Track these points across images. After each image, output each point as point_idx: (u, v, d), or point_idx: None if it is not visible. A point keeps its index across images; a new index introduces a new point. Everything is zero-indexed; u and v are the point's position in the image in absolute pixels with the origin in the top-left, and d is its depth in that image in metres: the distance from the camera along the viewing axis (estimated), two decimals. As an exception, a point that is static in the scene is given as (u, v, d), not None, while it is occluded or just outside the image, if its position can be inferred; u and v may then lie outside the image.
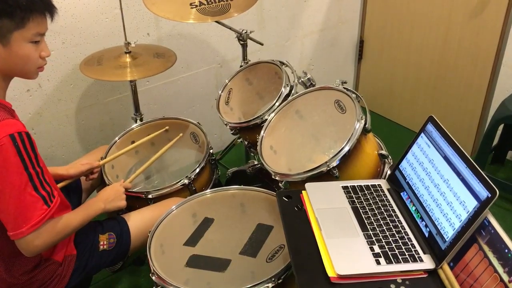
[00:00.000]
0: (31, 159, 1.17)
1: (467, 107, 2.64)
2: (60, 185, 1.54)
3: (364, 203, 1.24)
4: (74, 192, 1.69)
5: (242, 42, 2.12)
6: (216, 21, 1.95)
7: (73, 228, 1.32)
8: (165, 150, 1.78)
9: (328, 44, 2.99)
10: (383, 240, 1.11)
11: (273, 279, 1.22)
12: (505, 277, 0.87)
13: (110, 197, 1.49)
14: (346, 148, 1.38)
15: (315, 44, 2.93)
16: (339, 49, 3.08)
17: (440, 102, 2.77)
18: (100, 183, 1.75)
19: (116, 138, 1.89)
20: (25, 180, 1.17)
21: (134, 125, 1.97)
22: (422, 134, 1.22)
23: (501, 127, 2.39)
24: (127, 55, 1.92)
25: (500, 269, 0.88)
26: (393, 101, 3.06)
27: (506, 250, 0.88)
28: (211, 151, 1.82)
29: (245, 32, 2.09)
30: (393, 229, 1.14)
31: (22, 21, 1.17)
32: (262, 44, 2.21)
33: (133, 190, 1.71)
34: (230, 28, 2.08)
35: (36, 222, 1.19)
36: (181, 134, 1.86)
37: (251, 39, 2.13)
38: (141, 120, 2.07)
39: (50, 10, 1.24)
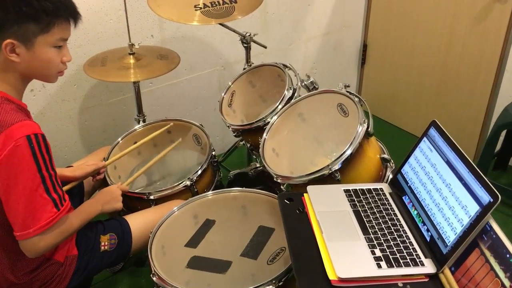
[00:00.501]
0: (45, 161, 1.18)
1: (470, 112, 2.63)
2: (66, 187, 1.55)
3: (366, 206, 1.24)
4: (77, 194, 1.69)
5: (245, 45, 2.12)
6: (220, 24, 1.96)
7: (74, 229, 1.33)
8: (165, 154, 1.78)
9: (332, 48, 3.00)
10: (385, 244, 1.11)
11: (273, 281, 1.22)
12: (507, 283, 0.86)
13: (107, 199, 1.49)
14: (348, 152, 1.38)
15: (319, 48, 2.93)
16: (343, 53, 3.08)
17: (443, 107, 2.77)
18: (102, 184, 1.76)
19: (119, 139, 1.90)
20: (37, 181, 1.17)
21: (137, 126, 1.98)
22: (425, 139, 1.22)
23: (503, 133, 2.39)
24: (131, 56, 1.93)
25: (501, 274, 0.88)
26: (396, 105, 3.06)
27: (508, 256, 0.88)
28: (213, 153, 1.82)
29: (249, 35, 2.10)
30: (395, 233, 1.14)
31: (47, 26, 1.20)
32: (265, 47, 2.21)
33: (135, 191, 1.71)
34: (234, 31, 2.08)
35: (44, 224, 1.20)
36: (180, 139, 1.86)
37: (254, 42, 2.14)
38: (144, 121, 2.07)
39: (75, 16, 1.27)
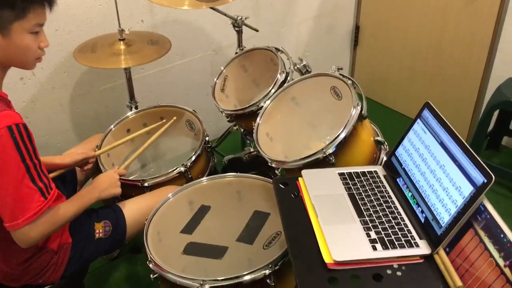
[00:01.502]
0: (28, 151, 1.17)
1: (463, 93, 2.64)
2: (54, 174, 1.54)
3: (361, 189, 1.24)
4: (70, 182, 1.68)
5: (237, 29, 2.10)
6: (211, 7, 1.93)
7: (68, 218, 1.32)
8: (160, 134, 1.76)
9: (324, 30, 2.98)
10: (380, 226, 1.11)
11: (270, 265, 1.23)
12: (501, 262, 0.87)
13: (105, 185, 1.48)
14: (342, 135, 1.38)
15: (311, 30, 2.91)
16: (335, 35, 3.06)
17: (436, 88, 2.77)
18: (95, 171, 1.75)
19: (112, 126, 1.88)
20: (22, 171, 1.17)
21: (129, 113, 1.96)
22: (418, 120, 1.22)
23: (496, 113, 2.40)
24: (121, 42, 1.90)
25: (495, 254, 0.89)
26: (389, 87, 3.05)
27: (502, 235, 0.89)
28: (207, 138, 1.81)
29: (240, 19, 2.07)
30: (389, 215, 1.15)
31: (22, 12, 1.17)
32: (257, 31, 2.19)
33: (129, 178, 1.71)
34: (225, 15, 2.06)
35: (32, 214, 1.19)
36: (175, 118, 1.84)
37: (246, 25, 2.12)
38: (136, 108, 2.06)
39: (50, 1, 1.23)
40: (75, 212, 1.34)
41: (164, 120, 1.86)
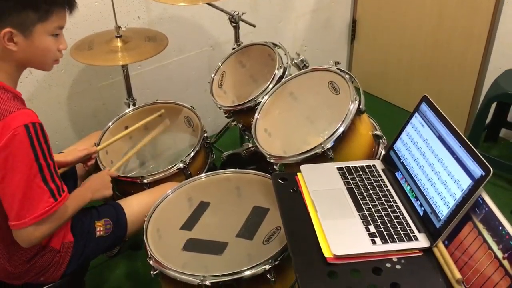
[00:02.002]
0: (43, 151, 1.17)
1: (461, 85, 2.64)
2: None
3: (359, 184, 1.24)
4: (70, 178, 1.68)
5: (234, 24, 2.10)
6: (208, 3, 1.93)
7: (67, 218, 1.32)
8: (154, 136, 1.77)
9: (321, 24, 2.97)
10: (379, 220, 1.11)
11: (270, 261, 1.23)
12: (500, 254, 0.88)
13: (97, 187, 1.49)
14: (341, 130, 1.38)
15: (308, 25, 2.91)
16: (332, 30, 3.06)
17: (434, 81, 2.77)
18: (95, 168, 1.75)
19: (110, 124, 1.88)
20: (35, 171, 1.17)
21: (127, 110, 1.96)
22: (416, 114, 1.22)
23: (494, 105, 2.40)
24: (118, 39, 1.90)
25: (494, 246, 0.89)
26: (387, 81, 3.05)
27: (500, 228, 0.89)
28: (205, 134, 1.81)
29: (237, 14, 2.07)
30: (388, 209, 1.15)
31: (46, 14, 1.19)
32: (254, 26, 2.19)
33: (129, 175, 1.71)
34: (222, 10, 2.05)
35: (40, 214, 1.19)
36: (163, 110, 1.85)
37: (243, 21, 2.11)
38: (134, 105, 2.06)
39: (71, 4, 1.25)
40: (72, 212, 1.34)
41: (162, 111, 1.86)
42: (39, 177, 1.18)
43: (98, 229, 1.47)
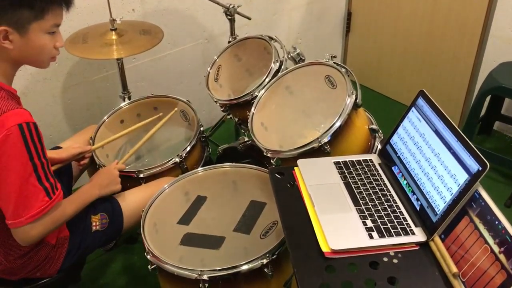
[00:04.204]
0: (37, 150, 1.18)
1: (455, 78, 2.65)
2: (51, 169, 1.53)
3: (356, 178, 1.25)
4: (65, 174, 1.68)
5: (229, 17, 2.09)
6: (203, -4, 1.91)
7: (68, 217, 1.32)
8: (158, 128, 1.75)
9: (316, 17, 2.96)
10: (376, 215, 1.12)
11: (267, 255, 1.24)
12: (496, 248, 0.89)
13: (105, 182, 1.48)
14: (337, 124, 1.39)
15: (303, 17, 2.90)
16: (327, 22, 3.05)
17: (428, 74, 2.77)
18: (91, 163, 1.74)
19: (105, 118, 1.87)
20: (29, 170, 1.17)
21: (122, 104, 1.94)
22: (413, 109, 1.22)
23: (488, 98, 2.41)
24: (113, 32, 1.88)
25: (490, 240, 0.90)
26: (382, 73, 3.06)
27: (497, 222, 0.90)
28: (201, 128, 1.81)
29: (233, 7, 2.06)
30: (385, 203, 1.16)
31: (41, 13, 1.18)
32: (249, 19, 2.18)
33: (124, 170, 1.70)
34: (217, 3, 2.04)
35: (35, 212, 1.19)
36: (176, 109, 1.83)
37: (238, 13, 2.10)
38: (129, 98, 2.04)
39: (68, 1, 1.25)
40: (75, 210, 1.35)
41: (160, 114, 1.84)
42: (33, 176, 1.18)
43: (94, 223, 1.46)
